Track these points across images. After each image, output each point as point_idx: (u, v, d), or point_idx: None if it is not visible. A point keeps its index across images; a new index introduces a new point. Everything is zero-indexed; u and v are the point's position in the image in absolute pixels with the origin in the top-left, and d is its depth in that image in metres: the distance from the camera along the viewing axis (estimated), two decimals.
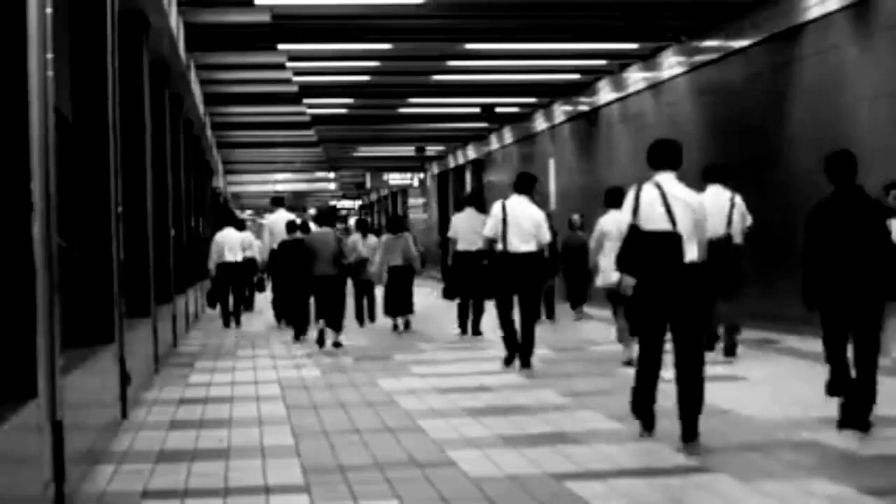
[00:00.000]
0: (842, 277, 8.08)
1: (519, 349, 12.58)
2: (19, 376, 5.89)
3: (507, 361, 12.97)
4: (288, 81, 23.35)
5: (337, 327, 16.01)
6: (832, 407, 9.46)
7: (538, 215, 12.96)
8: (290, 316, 17.82)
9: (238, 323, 21.07)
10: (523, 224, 12.77)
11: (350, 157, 43.93)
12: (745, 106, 18.67)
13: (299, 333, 17.43)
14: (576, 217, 20.83)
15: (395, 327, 18.61)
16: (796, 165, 17.00)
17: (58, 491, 6.46)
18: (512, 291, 12.85)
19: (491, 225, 12.95)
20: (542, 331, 15.73)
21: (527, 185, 12.99)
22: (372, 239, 20.21)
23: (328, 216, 17.51)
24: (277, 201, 22.93)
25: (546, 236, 12.92)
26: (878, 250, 8.03)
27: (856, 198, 8.13)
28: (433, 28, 19.13)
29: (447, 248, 16.67)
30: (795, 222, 17.07)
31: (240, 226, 22.51)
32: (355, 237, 20.00)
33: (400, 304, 18.53)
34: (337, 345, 15.93)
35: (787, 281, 17.09)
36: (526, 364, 12.11)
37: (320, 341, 16.05)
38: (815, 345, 13.65)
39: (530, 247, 12.77)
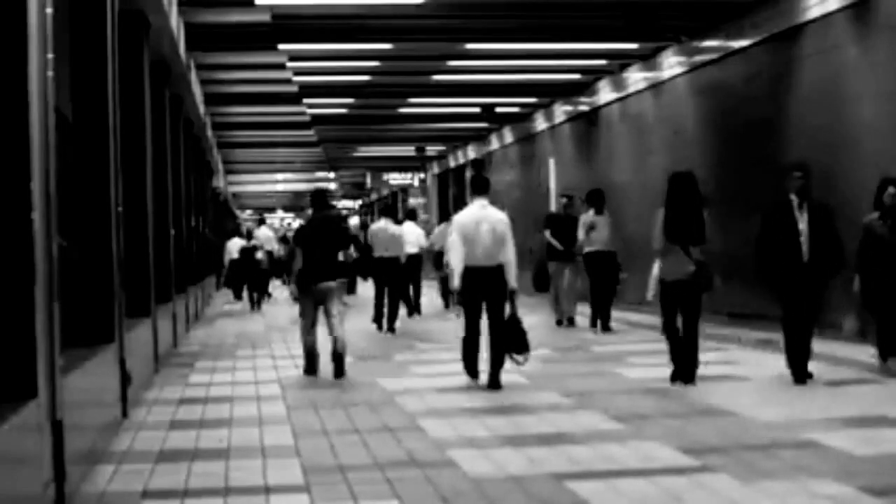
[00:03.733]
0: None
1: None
2: (19, 376, 5.89)
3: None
4: (288, 81, 23.35)
5: None
6: (833, 407, 9.47)
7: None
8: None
9: (241, 297, 29.47)
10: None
11: (350, 157, 43.94)
12: (745, 106, 18.68)
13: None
14: None
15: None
16: None
17: (58, 491, 6.46)
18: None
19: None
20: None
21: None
22: None
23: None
24: (261, 221, 34.76)
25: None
26: None
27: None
28: (433, 28, 19.13)
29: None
30: None
31: (243, 236, 30.60)
32: None
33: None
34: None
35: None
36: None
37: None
38: (816, 344, 13.66)
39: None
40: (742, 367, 12.37)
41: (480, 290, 11.39)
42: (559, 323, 18.41)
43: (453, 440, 8.53)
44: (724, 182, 19.40)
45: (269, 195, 65.88)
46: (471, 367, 11.66)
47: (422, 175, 47.15)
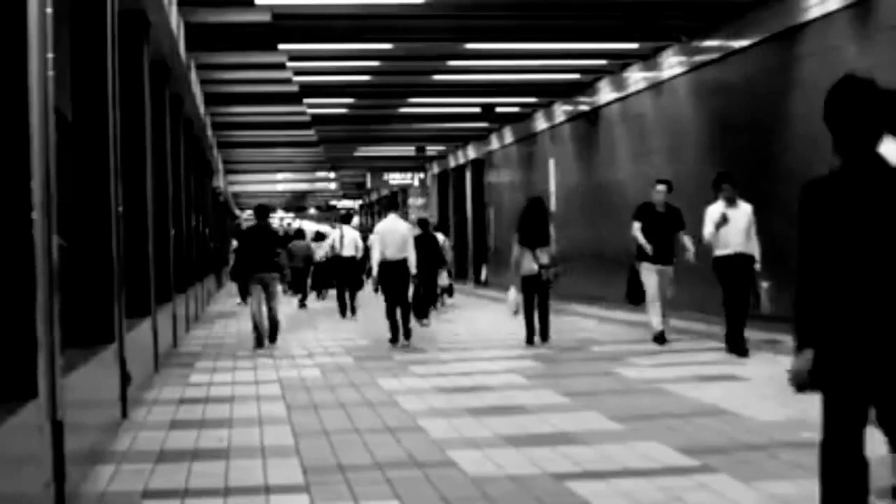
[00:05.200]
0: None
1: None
2: (19, 376, 5.89)
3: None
4: (288, 81, 23.36)
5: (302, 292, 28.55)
6: None
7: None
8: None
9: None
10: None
11: (350, 157, 43.95)
12: (745, 106, 18.68)
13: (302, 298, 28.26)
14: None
15: (320, 296, 31.07)
16: (796, 165, 17.01)
17: (58, 491, 6.46)
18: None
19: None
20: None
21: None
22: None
23: (300, 234, 31.59)
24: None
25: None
26: None
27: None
28: (433, 28, 19.13)
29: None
30: (795, 221, 17.09)
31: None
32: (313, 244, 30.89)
33: (323, 283, 31.00)
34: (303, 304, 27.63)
35: (787, 280, 17.11)
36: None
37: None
38: None
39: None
40: (742, 367, 12.37)
41: (392, 276, 16.12)
42: (659, 339, 15.01)
43: (453, 440, 8.53)
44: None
45: (269, 195, 65.88)
46: (393, 330, 16.37)
47: (422, 175, 47.17)
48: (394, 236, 16.27)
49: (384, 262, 16.23)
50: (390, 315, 16.34)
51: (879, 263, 4.38)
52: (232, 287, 34.66)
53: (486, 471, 7.39)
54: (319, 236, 32.14)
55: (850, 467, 4.89)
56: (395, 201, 19.34)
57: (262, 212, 17.69)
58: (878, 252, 4.39)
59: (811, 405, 9.53)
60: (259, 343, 16.79)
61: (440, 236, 24.39)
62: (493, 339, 16.79)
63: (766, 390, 10.64)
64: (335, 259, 24.53)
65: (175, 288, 17.29)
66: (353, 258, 24.06)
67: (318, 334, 18.97)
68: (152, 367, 13.46)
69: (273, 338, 16.97)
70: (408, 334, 16.30)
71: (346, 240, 24.28)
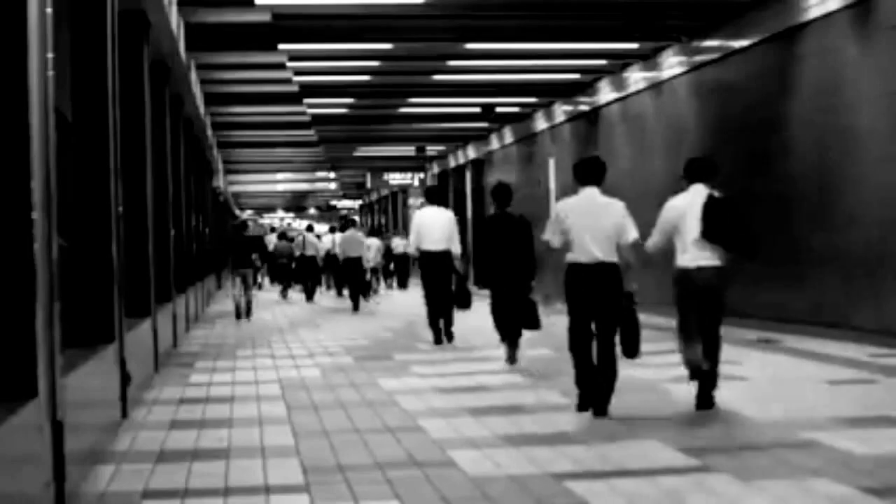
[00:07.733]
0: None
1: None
2: (19, 376, 5.89)
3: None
4: (288, 81, 23.37)
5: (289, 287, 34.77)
6: (832, 407, 9.47)
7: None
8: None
9: (258, 288, 36.49)
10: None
11: (350, 157, 43.96)
12: (744, 106, 18.68)
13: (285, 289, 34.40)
14: None
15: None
16: (796, 165, 17.02)
17: (58, 491, 6.46)
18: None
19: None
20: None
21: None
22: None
23: (283, 235, 36.87)
24: (280, 235, 41.47)
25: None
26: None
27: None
28: (433, 28, 19.14)
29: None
30: (795, 221, 17.13)
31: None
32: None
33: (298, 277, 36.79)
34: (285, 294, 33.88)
35: (787, 280, 17.11)
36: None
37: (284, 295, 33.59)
38: (816, 344, 13.69)
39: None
40: (742, 367, 12.37)
41: (353, 268, 25.47)
42: None
43: (453, 440, 8.53)
44: (723, 181, 19.39)
45: (269, 195, 65.91)
46: (354, 302, 25.25)
47: (422, 175, 47.16)
48: (352, 242, 25.89)
49: (346, 258, 25.65)
50: (352, 293, 25.55)
51: (505, 251, 13.18)
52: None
53: (485, 471, 7.39)
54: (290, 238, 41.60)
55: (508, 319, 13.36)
56: (353, 219, 29.34)
57: (244, 225, 26.22)
58: (505, 247, 13.21)
59: (811, 405, 9.55)
60: (238, 316, 23.42)
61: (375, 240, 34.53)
62: (492, 339, 16.77)
63: (766, 390, 10.64)
64: (300, 258, 32.57)
65: (175, 288, 17.29)
66: (312, 257, 32.15)
67: (319, 334, 18.99)
68: (152, 367, 13.46)
69: (248, 314, 23.64)
70: (358, 306, 25.22)
71: (306, 244, 32.68)
